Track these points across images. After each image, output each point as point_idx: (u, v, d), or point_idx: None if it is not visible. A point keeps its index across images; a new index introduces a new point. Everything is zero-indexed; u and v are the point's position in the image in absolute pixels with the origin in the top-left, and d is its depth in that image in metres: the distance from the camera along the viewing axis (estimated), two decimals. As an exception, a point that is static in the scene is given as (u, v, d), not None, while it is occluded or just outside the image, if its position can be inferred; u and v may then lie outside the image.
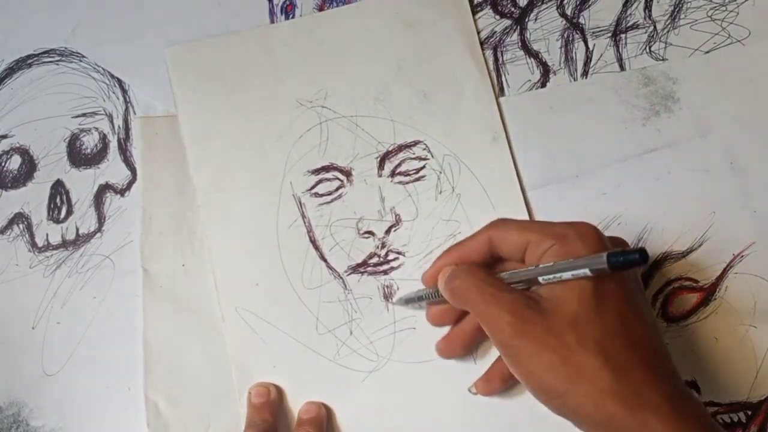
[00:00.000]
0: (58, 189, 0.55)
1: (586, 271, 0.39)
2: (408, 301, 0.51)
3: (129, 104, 0.56)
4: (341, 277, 0.53)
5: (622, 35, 0.56)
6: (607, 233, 0.52)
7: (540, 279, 0.41)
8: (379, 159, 0.54)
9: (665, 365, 0.40)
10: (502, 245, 0.44)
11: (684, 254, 0.53)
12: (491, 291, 0.42)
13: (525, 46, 0.57)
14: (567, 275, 0.40)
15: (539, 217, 0.53)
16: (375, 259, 0.53)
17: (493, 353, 0.50)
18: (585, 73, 0.56)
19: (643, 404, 0.38)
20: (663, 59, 0.56)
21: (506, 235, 0.44)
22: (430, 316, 0.50)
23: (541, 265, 0.41)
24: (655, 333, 0.41)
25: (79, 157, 0.55)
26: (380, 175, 0.54)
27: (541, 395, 0.40)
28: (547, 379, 0.39)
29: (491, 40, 0.57)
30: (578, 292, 0.40)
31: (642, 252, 0.38)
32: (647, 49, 0.56)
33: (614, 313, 0.40)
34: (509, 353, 0.41)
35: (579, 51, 0.56)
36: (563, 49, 0.56)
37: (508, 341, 0.40)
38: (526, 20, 0.57)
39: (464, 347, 0.49)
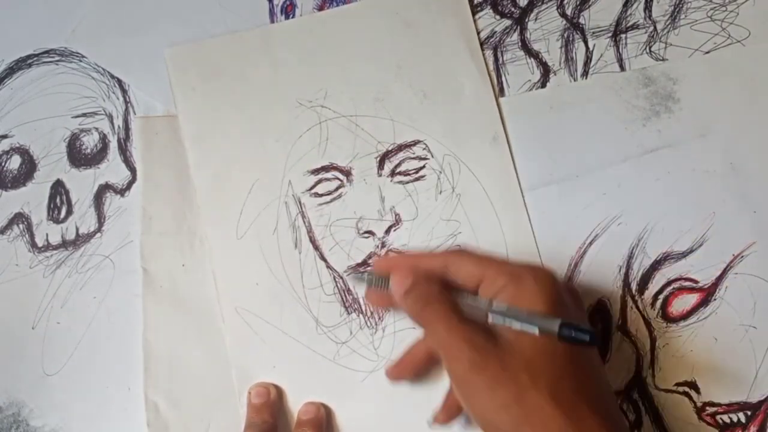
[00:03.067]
0: (58, 189, 0.55)
1: (535, 329, 0.40)
2: (357, 279, 0.51)
3: (129, 104, 0.56)
4: (341, 277, 0.53)
5: (622, 35, 0.56)
6: (607, 233, 0.53)
7: (489, 318, 0.42)
8: (378, 159, 0.54)
9: (611, 408, 0.42)
10: (458, 273, 0.45)
11: (684, 254, 0.53)
12: (455, 322, 0.42)
13: (525, 46, 0.57)
14: (517, 326, 0.40)
15: (539, 217, 0.53)
16: (375, 259, 0.53)
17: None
18: (585, 74, 0.56)
19: None
20: (663, 59, 0.56)
21: (463, 264, 0.44)
22: (368, 298, 0.50)
23: (495, 305, 0.42)
24: (602, 377, 0.43)
25: (79, 157, 0.55)
26: (380, 175, 0.54)
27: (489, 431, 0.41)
28: (498, 417, 0.40)
29: (491, 40, 0.57)
30: (533, 336, 0.40)
31: (592, 336, 0.39)
32: (647, 50, 0.56)
33: (565, 359, 0.41)
34: (463, 386, 0.41)
35: (579, 51, 0.56)
36: (563, 49, 0.56)
37: (465, 375, 0.41)
38: (526, 20, 0.57)
39: (414, 373, 0.49)
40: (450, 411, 0.48)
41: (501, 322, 0.41)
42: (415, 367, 0.49)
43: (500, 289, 0.42)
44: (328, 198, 0.54)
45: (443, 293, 0.44)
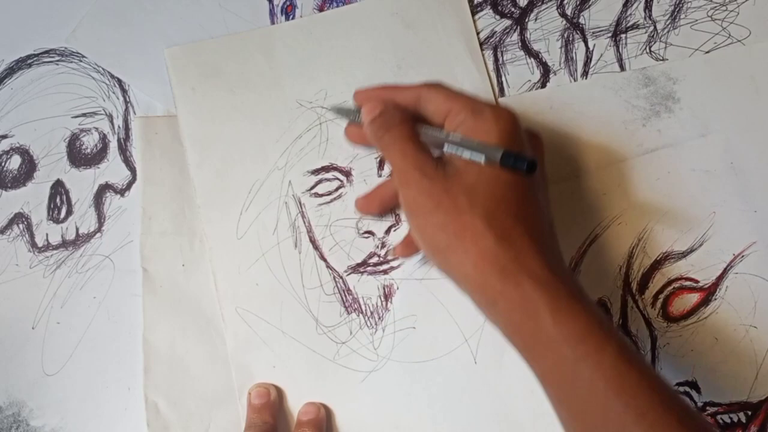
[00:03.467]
0: (58, 189, 0.55)
1: (481, 157, 0.42)
2: (338, 111, 0.52)
3: (129, 104, 0.56)
4: (341, 277, 0.53)
5: (622, 35, 0.56)
6: (606, 233, 0.53)
7: (445, 147, 0.44)
8: (379, 159, 0.54)
9: (549, 242, 0.43)
10: (428, 106, 0.46)
11: (684, 254, 0.52)
12: (411, 148, 0.44)
13: (525, 46, 0.57)
14: (467, 154, 0.43)
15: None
16: (375, 259, 0.53)
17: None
18: (585, 74, 0.56)
19: (521, 269, 0.40)
20: (663, 59, 0.56)
21: (434, 97, 0.46)
22: (347, 133, 0.52)
23: (451, 134, 0.44)
24: (544, 215, 0.44)
25: (79, 157, 0.55)
26: (380, 175, 0.54)
27: (428, 249, 0.43)
28: (436, 235, 0.42)
29: (491, 40, 0.57)
30: (479, 165, 0.43)
31: (530, 164, 0.41)
32: (647, 49, 0.56)
33: (507, 188, 0.42)
34: (410, 208, 0.44)
35: (579, 51, 0.56)
36: (563, 49, 0.56)
37: (412, 198, 0.43)
38: (526, 20, 0.57)
39: (381, 207, 0.52)
40: (409, 245, 0.50)
41: (454, 151, 0.43)
42: (383, 202, 0.51)
43: (461, 122, 0.44)
44: (328, 198, 0.54)
45: (405, 122, 0.46)
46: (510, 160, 0.41)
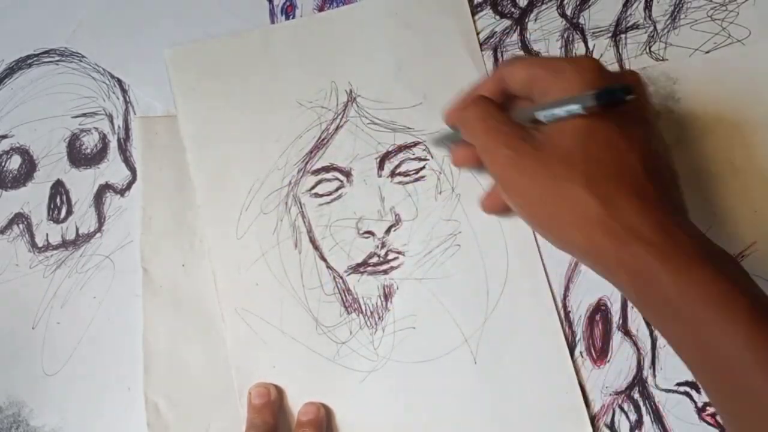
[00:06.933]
0: (58, 189, 0.55)
1: (579, 108, 0.39)
2: (436, 141, 0.52)
3: (129, 104, 0.56)
4: (341, 277, 0.53)
5: (622, 35, 0.56)
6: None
7: (539, 116, 0.41)
8: (378, 159, 0.54)
9: (661, 195, 0.40)
10: (512, 82, 0.44)
11: (684, 254, 0.52)
12: (493, 123, 0.42)
13: (525, 47, 0.57)
14: (560, 112, 0.40)
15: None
16: (375, 259, 0.53)
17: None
18: (585, 73, 0.56)
19: (632, 234, 0.38)
20: (663, 59, 0.56)
21: (515, 70, 0.44)
22: (453, 158, 0.51)
23: (540, 102, 0.42)
24: (653, 164, 0.41)
25: (79, 157, 0.55)
26: (380, 176, 0.54)
27: (534, 226, 0.42)
28: (537, 211, 0.41)
29: (491, 40, 0.57)
30: (572, 128, 0.40)
31: (625, 89, 0.38)
32: (647, 50, 0.56)
33: (605, 146, 0.40)
34: (505, 186, 0.42)
35: (579, 51, 0.56)
36: (563, 49, 0.56)
37: (504, 174, 0.41)
38: (526, 20, 0.57)
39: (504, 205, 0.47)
40: (495, 199, 0.49)
41: (549, 116, 0.41)
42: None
43: (546, 87, 0.42)
44: (329, 198, 0.54)
45: (482, 98, 0.44)
46: (604, 96, 0.38)
